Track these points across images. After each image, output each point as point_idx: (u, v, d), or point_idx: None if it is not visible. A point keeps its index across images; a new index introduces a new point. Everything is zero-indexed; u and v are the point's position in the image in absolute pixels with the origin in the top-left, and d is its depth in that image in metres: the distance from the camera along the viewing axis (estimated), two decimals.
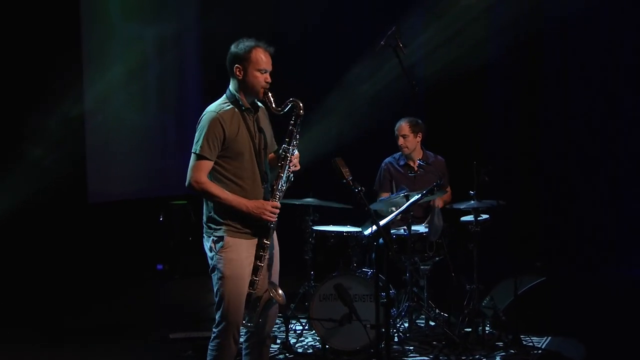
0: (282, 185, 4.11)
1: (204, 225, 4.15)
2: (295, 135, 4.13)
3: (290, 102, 4.10)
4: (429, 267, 5.82)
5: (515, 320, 5.57)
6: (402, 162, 6.32)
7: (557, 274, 6.62)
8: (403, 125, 6.20)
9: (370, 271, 5.73)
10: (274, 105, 4.09)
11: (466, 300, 5.70)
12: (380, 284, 4.78)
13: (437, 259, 5.81)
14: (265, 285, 4.12)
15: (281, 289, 4.09)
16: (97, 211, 8.09)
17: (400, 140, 6.20)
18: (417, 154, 6.25)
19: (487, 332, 5.69)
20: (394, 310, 5.72)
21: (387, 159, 6.41)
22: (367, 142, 8.23)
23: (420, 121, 6.25)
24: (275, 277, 4.25)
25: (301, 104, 4.10)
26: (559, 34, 7.51)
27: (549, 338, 5.70)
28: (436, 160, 6.30)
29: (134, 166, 8.75)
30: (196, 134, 4.06)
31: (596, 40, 7.67)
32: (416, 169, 6.20)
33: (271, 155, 4.28)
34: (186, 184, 4.05)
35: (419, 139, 6.22)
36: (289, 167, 4.13)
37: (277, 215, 4.08)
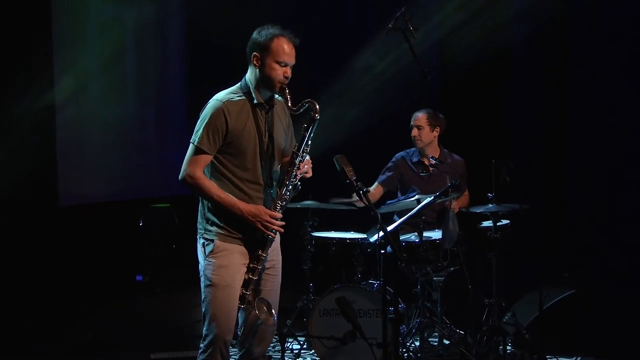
0: (285, 194, 4.14)
1: (198, 226, 4.20)
2: (307, 141, 4.17)
3: (307, 102, 4.15)
4: (442, 278, 5.85)
5: (540, 339, 5.59)
6: (415, 159, 6.36)
7: (588, 286, 6.62)
8: (420, 116, 6.24)
9: (376, 283, 5.76)
10: (289, 104, 4.13)
11: (485, 316, 5.73)
12: (388, 297, 4.80)
13: (452, 269, 5.84)
14: (274, 304, 4.18)
15: (273, 309, 4.12)
16: (68, 216, 8.08)
17: (414, 131, 6.24)
18: (433, 151, 6.29)
19: (508, 351, 5.72)
20: (403, 327, 5.74)
21: (400, 153, 6.45)
22: (372, 137, 8.24)
23: (441, 115, 6.29)
24: (276, 296, 4.28)
25: (317, 106, 4.14)
26: (589, 15, 7.51)
27: (578, 359, 5.71)
28: (454, 161, 6.33)
29: (110, 165, 8.76)
30: (197, 122, 4.11)
31: (631, 22, 7.67)
32: (430, 168, 6.22)
33: (286, 158, 4.30)
34: (179, 176, 4.09)
35: (435, 133, 6.26)
36: (296, 175, 4.16)
37: (275, 228, 4.09)
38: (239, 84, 4.20)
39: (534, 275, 5.92)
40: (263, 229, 4.05)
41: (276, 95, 4.19)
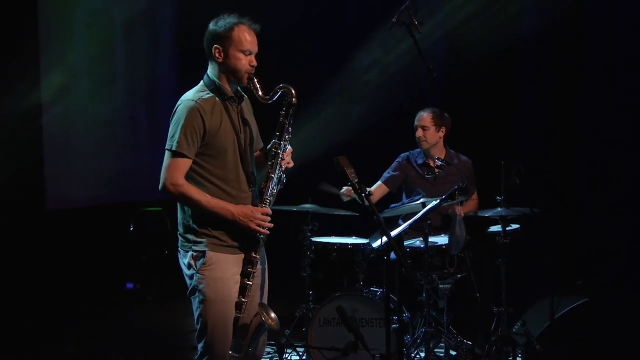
0: (272, 188, 4.14)
1: (180, 237, 4.14)
2: (287, 128, 4.16)
3: (280, 88, 4.13)
4: (449, 286, 5.85)
5: (552, 350, 5.59)
6: (420, 161, 6.36)
7: (602, 294, 6.63)
8: (425, 116, 6.25)
9: (379, 291, 5.76)
10: (260, 93, 4.11)
11: (493, 326, 5.73)
12: (392, 306, 4.80)
13: (458, 276, 5.84)
14: (254, 308, 4.13)
15: (274, 312, 4.11)
16: (56, 219, 8.10)
17: (419, 132, 6.25)
18: (439, 152, 6.29)
19: None
20: (407, 338, 5.74)
21: (404, 154, 6.46)
22: (375, 138, 8.24)
23: (446, 115, 6.30)
24: (265, 298, 4.27)
25: (293, 91, 4.13)
26: (604, 8, 7.51)
27: None
28: (461, 162, 6.33)
29: (100, 166, 8.77)
30: (171, 127, 4.06)
31: None
32: (435, 169, 6.23)
33: (257, 153, 4.30)
34: (160, 186, 4.05)
35: (441, 134, 6.27)
36: (281, 166, 4.15)
37: (269, 225, 4.10)
38: (201, 82, 4.17)
39: (545, 283, 5.91)
40: (257, 228, 4.04)
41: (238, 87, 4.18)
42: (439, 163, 6.07)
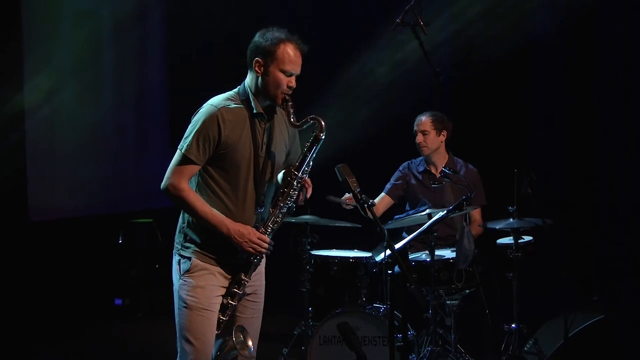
0: (277, 216, 4.15)
1: (175, 240, 4.20)
2: (308, 162, 4.17)
3: (312, 119, 4.13)
4: (457, 302, 5.84)
5: None
6: (421, 168, 6.37)
7: (619, 310, 6.63)
8: (424, 120, 6.25)
9: (383, 307, 5.75)
10: (292, 119, 4.11)
11: (504, 345, 5.72)
12: (396, 323, 4.80)
13: (467, 291, 5.83)
14: (254, 333, 4.17)
15: (248, 339, 4.10)
16: (40, 231, 8.09)
17: (419, 137, 6.25)
18: (441, 159, 6.29)
19: None
20: (413, 357, 5.74)
21: (405, 163, 6.47)
22: (378, 145, 8.25)
23: (446, 118, 6.29)
24: (257, 325, 4.28)
25: (323, 124, 4.13)
26: (619, 6, 7.52)
27: None
28: (467, 171, 6.33)
29: (86, 174, 8.77)
30: (189, 127, 4.08)
31: None
32: (439, 177, 6.23)
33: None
34: (162, 185, 4.07)
35: (442, 138, 6.27)
36: (292, 197, 4.15)
37: (263, 251, 4.10)
38: (236, 89, 4.18)
39: (559, 299, 5.91)
40: (250, 249, 4.05)
41: None
42: (444, 171, 6.05)
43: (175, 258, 4.14)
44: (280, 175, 4.34)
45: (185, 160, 4.02)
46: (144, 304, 8.40)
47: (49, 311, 7.85)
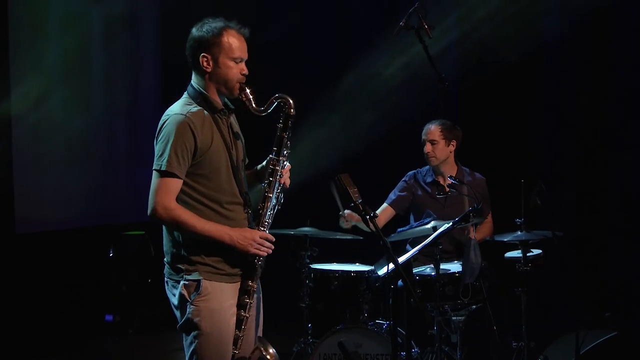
0: (271, 209, 4.13)
1: (168, 265, 4.11)
2: (286, 143, 4.14)
3: (277, 99, 4.12)
4: (463, 318, 5.84)
5: None
6: (429, 179, 6.36)
7: (632, 327, 6.62)
8: (433, 129, 6.24)
9: (385, 323, 5.75)
10: (254, 105, 4.10)
11: None
12: (399, 340, 4.80)
13: (473, 307, 5.83)
14: (250, 342, 4.12)
15: (272, 347, 4.09)
16: (27, 244, 8.08)
17: (428, 147, 6.24)
18: (449, 169, 6.28)
19: None
20: None
21: (411, 172, 6.45)
22: (380, 154, 8.25)
23: (458, 127, 6.29)
24: (260, 331, 4.26)
25: (291, 101, 4.12)
26: (634, 9, 7.53)
27: None
28: (475, 180, 6.33)
29: (76, 184, 8.76)
30: (158, 145, 4.01)
31: None
32: (447, 188, 6.22)
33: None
34: (149, 211, 3.98)
35: (451, 148, 6.26)
36: (280, 185, 4.14)
37: (270, 250, 4.08)
38: (185, 94, 4.14)
39: (570, 314, 5.90)
40: (257, 251, 4.01)
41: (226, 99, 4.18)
42: (450, 182, 6.04)
43: (179, 285, 4.02)
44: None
45: (167, 176, 3.94)
46: (135, 320, 8.39)
47: (37, 328, 7.83)
